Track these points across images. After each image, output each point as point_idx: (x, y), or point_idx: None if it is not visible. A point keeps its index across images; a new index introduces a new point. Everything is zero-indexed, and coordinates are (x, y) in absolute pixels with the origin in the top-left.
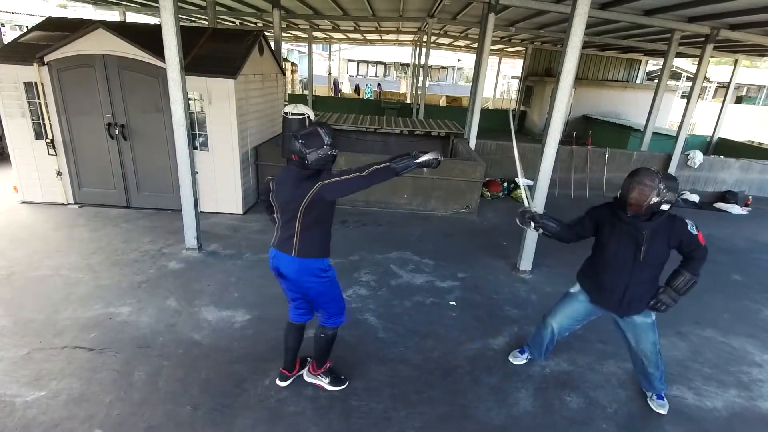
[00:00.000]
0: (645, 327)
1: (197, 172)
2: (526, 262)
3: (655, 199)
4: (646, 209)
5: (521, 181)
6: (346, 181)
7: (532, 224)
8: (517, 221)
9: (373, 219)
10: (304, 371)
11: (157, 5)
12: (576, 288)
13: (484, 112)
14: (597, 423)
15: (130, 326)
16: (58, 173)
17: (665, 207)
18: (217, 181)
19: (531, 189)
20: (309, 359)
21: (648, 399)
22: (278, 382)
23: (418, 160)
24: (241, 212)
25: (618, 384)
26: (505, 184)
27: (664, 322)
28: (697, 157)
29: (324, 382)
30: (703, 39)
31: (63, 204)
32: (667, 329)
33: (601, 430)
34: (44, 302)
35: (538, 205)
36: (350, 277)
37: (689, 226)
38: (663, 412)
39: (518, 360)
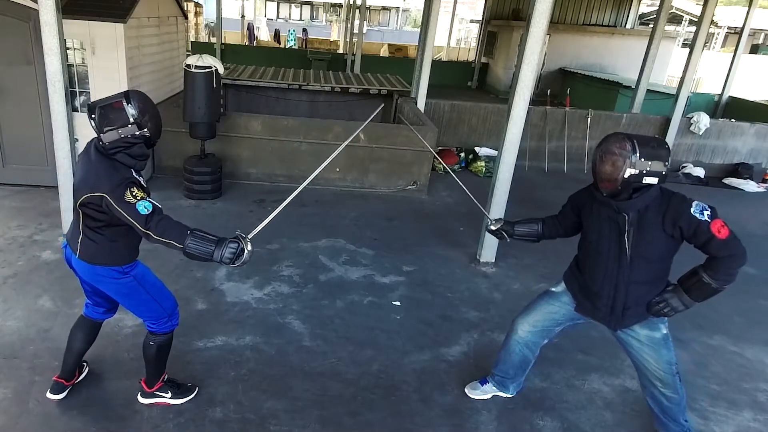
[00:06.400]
0: (653, 342)
1: (78, 140)
2: (488, 253)
3: (630, 171)
4: (621, 185)
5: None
6: (132, 215)
7: (507, 237)
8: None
9: (297, 198)
10: (139, 394)
11: None
12: (560, 287)
13: (436, 64)
14: None
15: None
16: None
17: (649, 180)
18: None
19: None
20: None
21: None
22: (49, 394)
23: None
24: None
25: (603, 404)
26: (462, 154)
27: None
28: (703, 120)
29: (167, 398)
30: None
31: None
32: None
33: None
34: None
35: (497, 206)
36: (269, 271)
37: (693, 208)
38: None
39: (478, 393)
